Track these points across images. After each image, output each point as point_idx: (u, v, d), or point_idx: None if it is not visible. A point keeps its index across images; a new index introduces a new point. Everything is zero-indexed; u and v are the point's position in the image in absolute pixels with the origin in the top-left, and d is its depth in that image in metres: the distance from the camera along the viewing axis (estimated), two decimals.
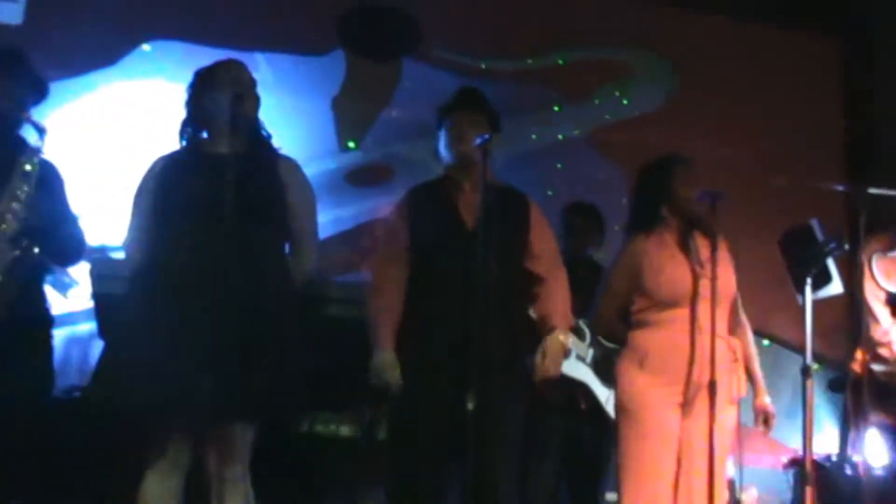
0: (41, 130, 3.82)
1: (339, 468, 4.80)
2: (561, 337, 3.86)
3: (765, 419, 4.03)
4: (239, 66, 3.77)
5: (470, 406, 3.39)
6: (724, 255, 4.00)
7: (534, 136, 6.58)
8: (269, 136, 3.76)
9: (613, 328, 4.23)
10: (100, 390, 3.55)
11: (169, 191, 3.64)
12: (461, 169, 3.86)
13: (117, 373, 3.47)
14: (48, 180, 3.94)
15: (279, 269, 3.62)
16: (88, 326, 5.06)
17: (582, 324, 4.70)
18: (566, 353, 3.91)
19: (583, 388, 4.85)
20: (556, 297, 3.93)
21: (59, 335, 5.37)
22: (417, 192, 4.03)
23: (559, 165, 6.49)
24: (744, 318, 4.15)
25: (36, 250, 3.72)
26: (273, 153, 3.75)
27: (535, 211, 4.02)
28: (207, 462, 3.50)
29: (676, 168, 4.05)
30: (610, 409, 4.70)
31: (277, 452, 4.26)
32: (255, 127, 3.72)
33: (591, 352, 4.87)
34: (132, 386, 3.40)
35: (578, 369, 4.81)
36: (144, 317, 3.47)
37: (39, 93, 4.03)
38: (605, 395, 4.81)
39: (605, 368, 4.76)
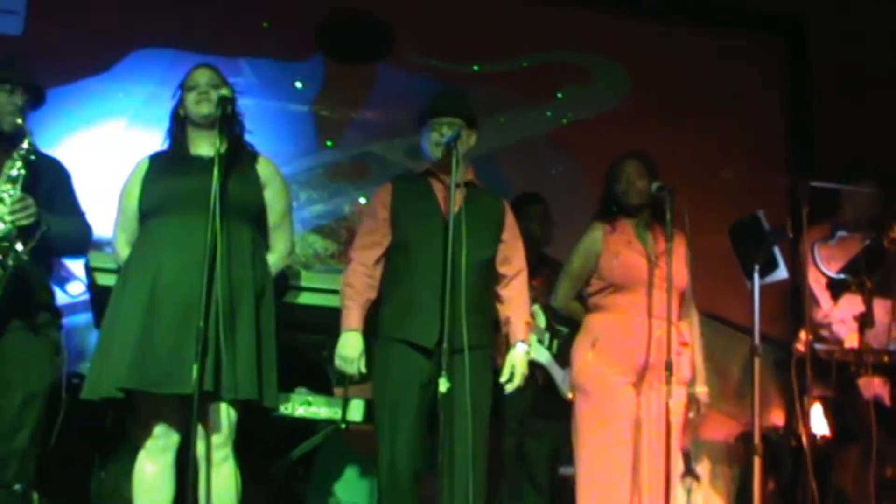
0: (24, 134, 3.89)
1: (319, 449, 4.84)
2: (524, 351, 3.95)
3: (696, 407, 4.18)
4: (215, 71, 3.85)
5: (443, 389, 3.60)
6: (678, 249, 4.11)
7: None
8: (250, 141, 3.87)
9: (570, 306, 4.39)
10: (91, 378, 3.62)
11: (155, 188, 3.75)
12: (441, 167, 3.99)
13: (106, 359, 3.57)
14: (55, 176, 4.05)
15: (257, 260, 3.72)
16: (85, 317, 5.08)
17: (536, 308, 4.79)
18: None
19: (541, 368, 4.97)
20: (520, 303, 4.03)
21: None
22: (400, 184, 4.13)
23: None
24: (693, 308, 4.29)
25: (20, 247, 3.76)
26: (252, 154, 3.87)
27: (511, 216, 4.12)
28: (194, 444, 3.54)
29: (629, 163, 4.21)
30: (565, 389, 4.88)
31: (261, 436, 4.32)
32: (234, 129, 3.81)
33: (547, 335, 5.00)
34: (121, 371, 3.51)
35: (537, 351, 4.91)
36: (133, 305, 3.59)
37: (37, 99, 4.09)
38: (560, 376, 4.96)
39: (563, 353, 4.87)
